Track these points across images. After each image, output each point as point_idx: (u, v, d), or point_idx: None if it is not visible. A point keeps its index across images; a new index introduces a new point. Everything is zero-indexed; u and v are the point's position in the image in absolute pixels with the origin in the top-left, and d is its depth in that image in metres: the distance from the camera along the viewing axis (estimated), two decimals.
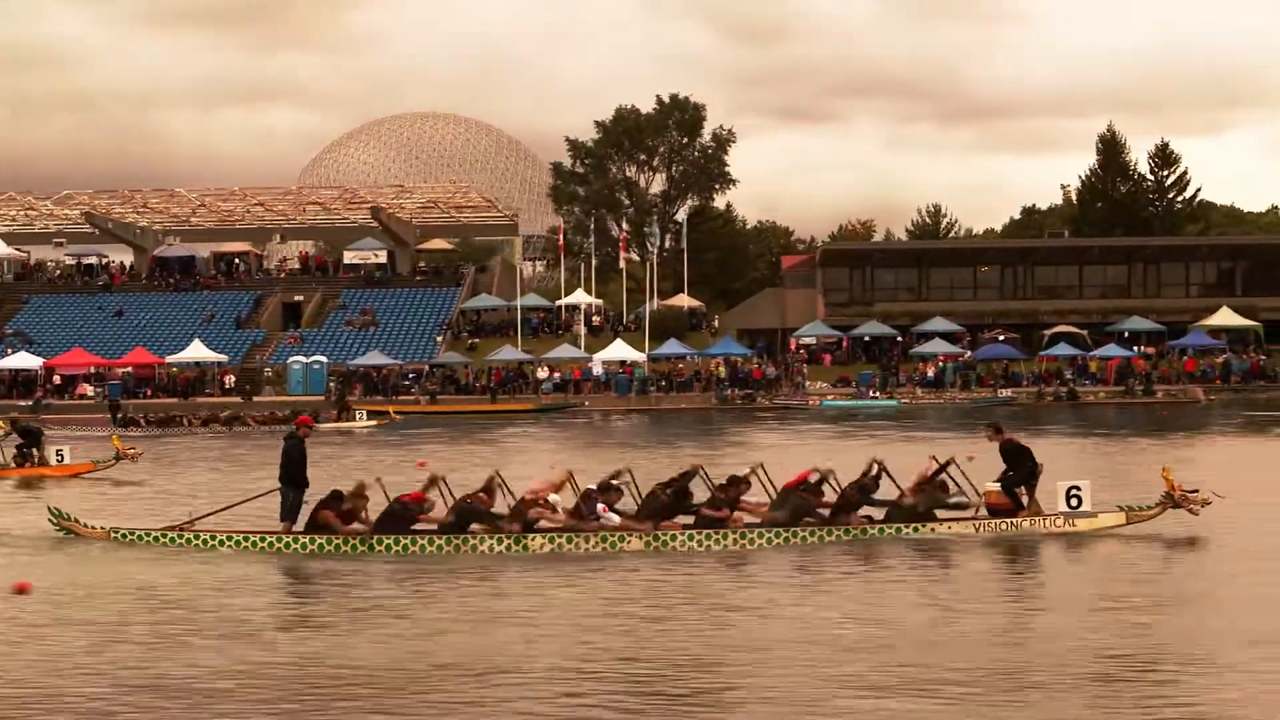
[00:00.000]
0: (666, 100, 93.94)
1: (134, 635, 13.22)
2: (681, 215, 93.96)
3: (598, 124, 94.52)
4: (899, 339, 78.02)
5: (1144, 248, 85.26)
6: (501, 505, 18.95)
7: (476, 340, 79.49)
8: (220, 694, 10.83)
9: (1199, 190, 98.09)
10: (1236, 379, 71.56)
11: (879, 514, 19.28)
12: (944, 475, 19.64)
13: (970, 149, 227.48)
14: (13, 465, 32.32)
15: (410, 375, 73.06)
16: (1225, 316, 78.57)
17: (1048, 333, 77.90)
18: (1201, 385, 70.29)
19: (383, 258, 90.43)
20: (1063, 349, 74.90)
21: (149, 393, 73.13)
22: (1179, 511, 18.76)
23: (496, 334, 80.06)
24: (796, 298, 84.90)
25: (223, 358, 76.52)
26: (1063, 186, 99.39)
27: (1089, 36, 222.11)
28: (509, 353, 74.87)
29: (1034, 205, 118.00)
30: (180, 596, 15.34)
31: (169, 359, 75.58)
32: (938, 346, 75.25)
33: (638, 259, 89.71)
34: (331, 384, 72.24)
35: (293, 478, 19.37)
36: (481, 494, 18.91)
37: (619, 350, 74.48)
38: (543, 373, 71.78)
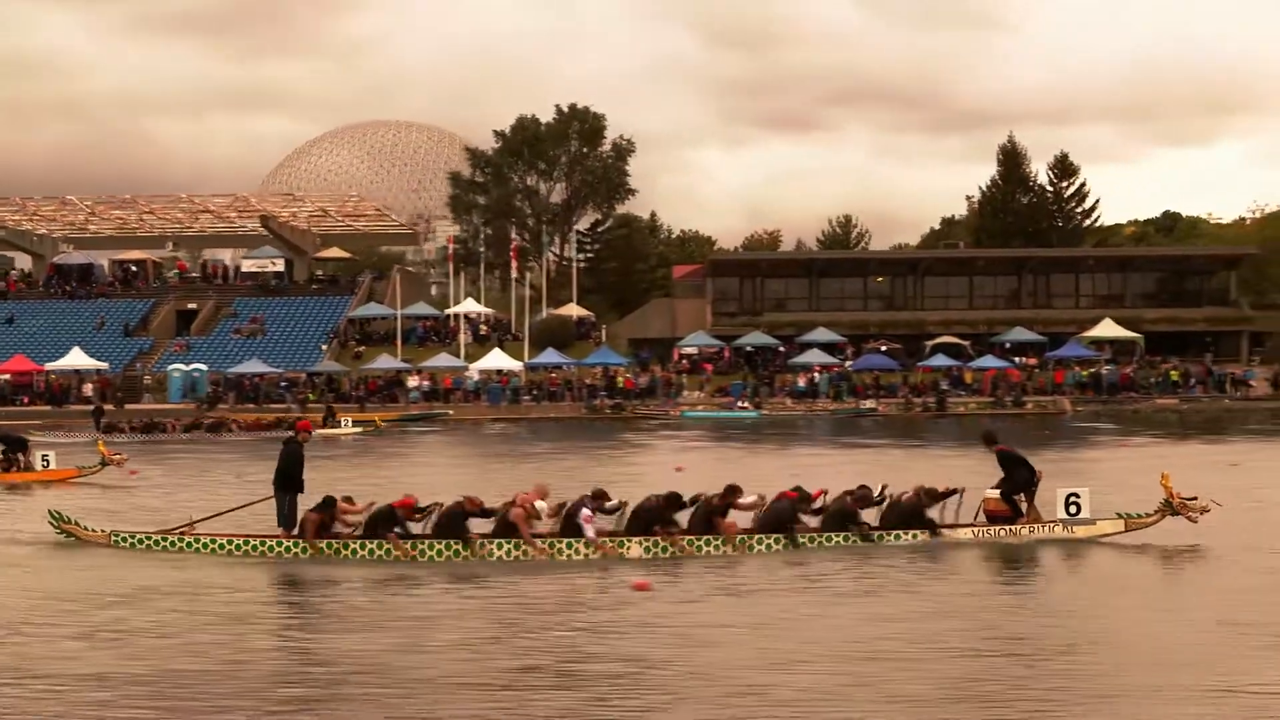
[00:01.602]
0: (566, 110, 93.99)
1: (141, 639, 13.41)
2: (583, 225, 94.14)
3: (497, 133, 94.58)
4: (781, 349, 78.11)
5: (1030, 259, 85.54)
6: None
7: (362, 349, 79.54)
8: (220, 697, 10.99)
9: (1098, 201, 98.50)
10: (1106, 390, 71.83)
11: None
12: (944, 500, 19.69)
13: (959, 157, 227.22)
14: None
15: (283, 384, 72.98)
16: (1107, 328, 78.83)
17: (929, 343, 78.15)
18: (1070, 396, 70.59)
19: (280, 266, 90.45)
20: (939, 360, 75.17)
21: (25, 400, 73.17)
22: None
23: (385, 342, 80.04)
24: (686, 307, 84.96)
25: (103, 365, 76.27)
26: (968, 198, 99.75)
27: (1079, 46, 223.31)
28: (386, 361, 74.88)
29: (953, 215, 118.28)
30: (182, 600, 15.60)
31: (48, 366, 75.48)
32: (815, 357, 75.37)
33: (536, 268, 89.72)
34: (209, 391, 72.34)
35: (287, 483, 19.35)
36: (468, 499, 19.13)
37: (496, 359, 74.57)
38: (412, 381, 71.75)
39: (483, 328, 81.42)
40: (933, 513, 19.39)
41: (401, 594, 16.03)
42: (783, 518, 19.01)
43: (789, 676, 11.37)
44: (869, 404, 68.59)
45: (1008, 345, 78.35)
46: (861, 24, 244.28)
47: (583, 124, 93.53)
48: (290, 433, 21.07)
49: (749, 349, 78.72)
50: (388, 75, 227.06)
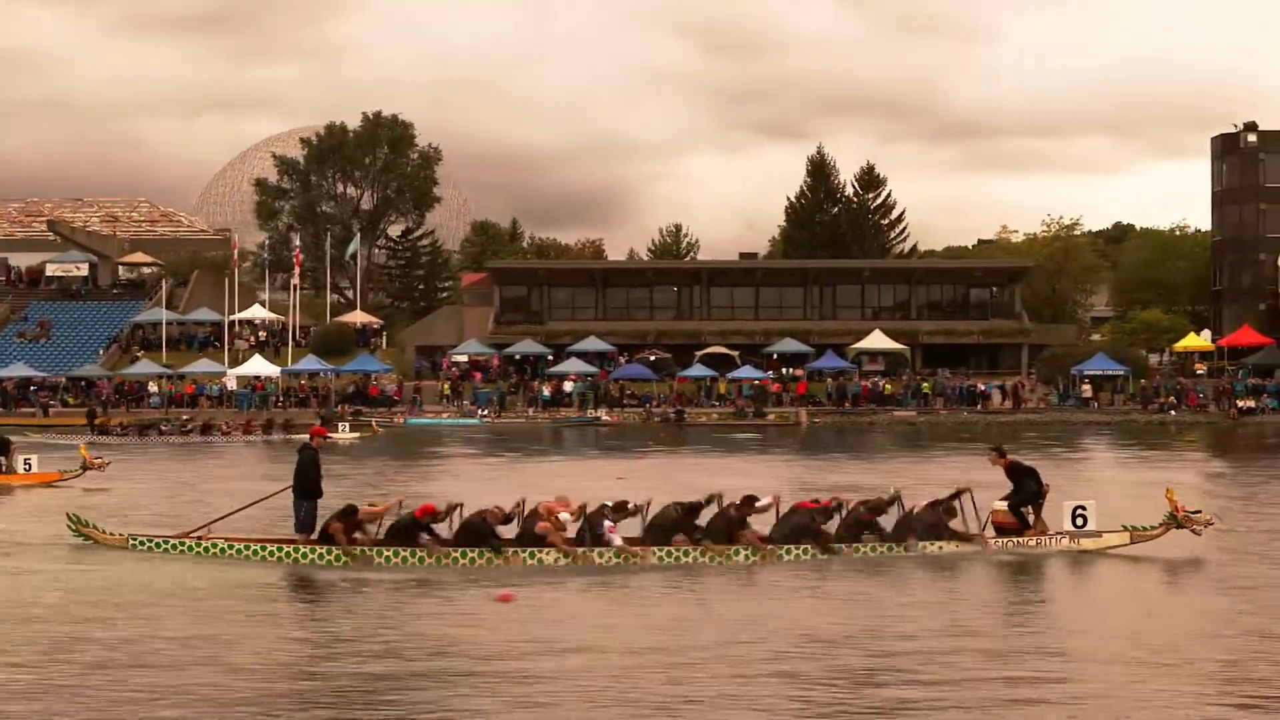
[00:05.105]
0: (371, 116, 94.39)
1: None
2: (394, 231, 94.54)
3: (303, 141, 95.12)
4: (550, 357, 78.53)
5: (813, 269, 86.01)
6: (513, 527, 19.35)
7: (141, 353, 80.00)
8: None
9: (904, 211, 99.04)
10: (847, 402, 72.46)
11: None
12: (955, 502, 20.11)
13: (953, 168, 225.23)
14: None
15: (33, 388, 73.50)
16: (876, 339, 79.36)
17: (698, 354, 78.62)
18: (810, 409, 71.19)
19: (84, 270, 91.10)
20: (698, 370, 75.73)
21: None
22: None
23: (171, 348, 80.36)
24: (474, 315, 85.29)
25: None
26: (786, 208, 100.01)
27: (1072, 57, 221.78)
28: (144, 366, 75.42)
29: None
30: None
31: None
32: (574, 366, 75.87)
33: (342, 274, 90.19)
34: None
35: (306, 488, 19.55)
36: (495, 510, 19.26)
37: (255, 366, 75.08)
38: (153, 387, 72.28)
39: (261, 333, 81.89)
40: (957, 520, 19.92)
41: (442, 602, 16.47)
42: (804, 528, 19.40)
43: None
44: (595, 413, 69.17)
45: (775, 356, 78.90)
46: (856, 33, 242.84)
47: (391, 131, 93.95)
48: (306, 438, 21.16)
49: (517, 356, 79.21)
50: (372, 81, 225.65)
